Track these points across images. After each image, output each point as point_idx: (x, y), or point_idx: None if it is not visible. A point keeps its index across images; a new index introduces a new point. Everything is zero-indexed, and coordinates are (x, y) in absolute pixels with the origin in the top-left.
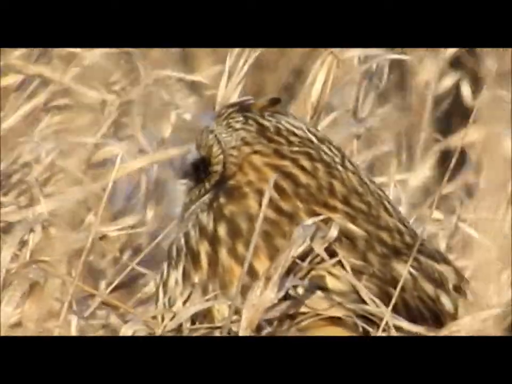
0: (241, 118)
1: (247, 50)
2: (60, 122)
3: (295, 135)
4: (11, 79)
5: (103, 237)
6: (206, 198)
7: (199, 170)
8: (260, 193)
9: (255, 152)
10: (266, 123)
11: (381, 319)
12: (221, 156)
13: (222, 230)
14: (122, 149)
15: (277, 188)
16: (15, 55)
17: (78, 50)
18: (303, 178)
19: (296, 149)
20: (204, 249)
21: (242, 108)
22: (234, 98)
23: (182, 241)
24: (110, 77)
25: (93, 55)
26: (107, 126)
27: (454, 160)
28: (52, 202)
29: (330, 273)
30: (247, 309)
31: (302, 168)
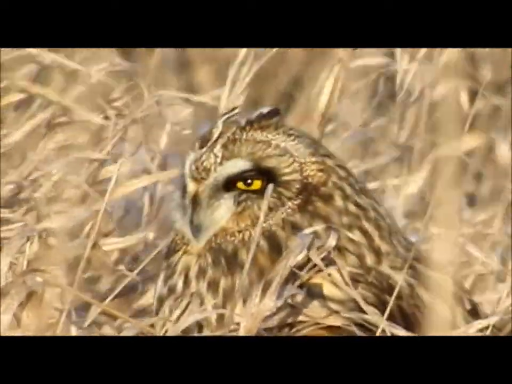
0: (287, 126)
1: (249, 60)
2: (63, 140)
3: None
4: (14, 97)
5: (95, 245)
6: (290, 203)
7: (246, 182)
8: (342, 190)
9: (323, 155)
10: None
11: (377, 327)
12: (295, 164)
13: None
14: (125, 167)
15: (349, 184)
16: (18, 74)
17: (85, 68)
18: (356, 176)
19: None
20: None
21: (270, 115)
22: (238, 107)
23: (261, 242)
24: (112, 94)
25: (95, 73)
26: (111, 144)
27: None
28: (57, 220)
29: (328, 281)
30: (246, 317)
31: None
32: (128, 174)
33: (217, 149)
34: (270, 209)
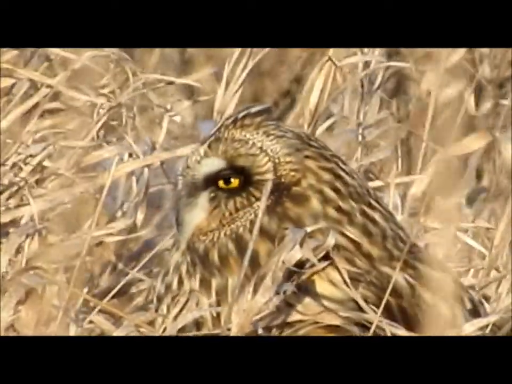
0: (273, 125)
1: (245, 57)
2: (50, 125)
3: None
4: (1, 83)
5: (99, 244)
6: (259, 204)
7: (226, 181)
8: (321, 193)
9: (307, 157)
10: (297, 130)
11: (378, 327)
12: (270, 164)
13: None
14: (113, 152)
15: (333, 188)
16: (5, 58)
17: (72, 54)
18: (348, 179)
19: (330, 152)
20: (264, 249)
21: (258, 114)
22: (233, 105)
23: (230, 245)
24: (100, 80)
25: (83, 59)
26: (97, 129)
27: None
28: (41, 204)
29: (327, 280)
30: (238, 314)
31: (343, 170)
32: (116, 159)
33: (203, 147)
34: (237, 210)
